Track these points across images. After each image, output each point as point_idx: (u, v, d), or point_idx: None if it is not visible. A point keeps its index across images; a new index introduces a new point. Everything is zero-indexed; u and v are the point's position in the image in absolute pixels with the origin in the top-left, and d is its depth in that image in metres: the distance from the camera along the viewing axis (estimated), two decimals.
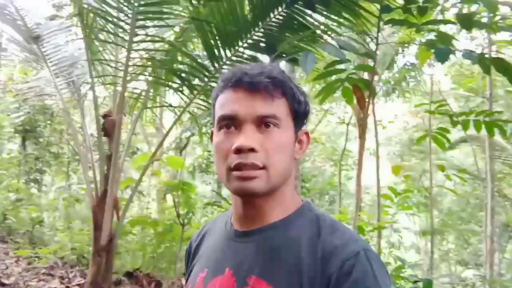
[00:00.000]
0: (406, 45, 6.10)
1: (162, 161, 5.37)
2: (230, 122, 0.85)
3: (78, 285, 3.75)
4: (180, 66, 3.65)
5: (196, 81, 3.61)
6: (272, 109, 0.84)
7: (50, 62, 4.05)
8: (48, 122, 10.07)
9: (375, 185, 5.39)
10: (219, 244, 0.95)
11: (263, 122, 0.84)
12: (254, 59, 3.56)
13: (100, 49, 3.85)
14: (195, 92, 3.58)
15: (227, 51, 3.45)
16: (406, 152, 14.49)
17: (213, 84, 3.57)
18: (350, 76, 2.76)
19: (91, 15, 3.46)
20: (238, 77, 0.86)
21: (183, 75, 3.59)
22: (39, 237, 6.18)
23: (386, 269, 0.82)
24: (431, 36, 2.87)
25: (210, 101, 3.77)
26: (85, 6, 3.44)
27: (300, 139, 0.92)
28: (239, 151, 0.82)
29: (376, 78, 10.95)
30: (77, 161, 9.71)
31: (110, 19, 3.36)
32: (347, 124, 12.23)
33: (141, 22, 3.34)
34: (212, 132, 0.94)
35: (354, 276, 0.76)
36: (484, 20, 2.78)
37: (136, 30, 3.31)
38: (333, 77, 2.76)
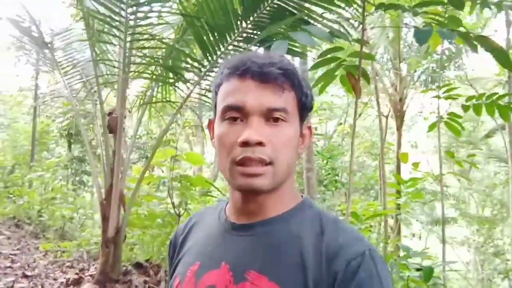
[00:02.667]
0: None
1: (181, 157, 5.48)
2: (236, 113, 0.81)
3: (90, 275, 3.93)
4: (176, 62, 3.73)
5: (191, 76, 3.70)
6: (281, 102, 0.81)
7: (61, 65, 4.26)
8: (91, 125, 10.57)
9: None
10: (213, 237, 0.91)
11: (271, 116, 0.80)
12: (248, 52, 3.59)
13: (105, 49, 4.01)
14: (192, 86, 3.67)
15: (220, 46, 3.52)
16: (454, 143, 14.02)
17: (210, 78, 3.65)
18: (341, 63, 2.75)
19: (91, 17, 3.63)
20: (247, 66, 0.81)
21: (182, 72, 3.69)
22: (70, 233, 6.52)
23: (388, 269, 0.82)
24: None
25: (206, 95, 3.85)
26: (84, 9, 3.62)
27: (303, 132, 0.89)
28: (245, 144, 0.78)
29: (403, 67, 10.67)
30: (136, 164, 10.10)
31: (106, 19, 3.49)
32: (386, 117, 11.98)
33: (134, 22, 3.45)
34: (210, 121, 0.90)
35: (359, 276, 0.75)
36: None
37: (130, 29, 3.43)
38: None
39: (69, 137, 10.51)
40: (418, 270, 3.32)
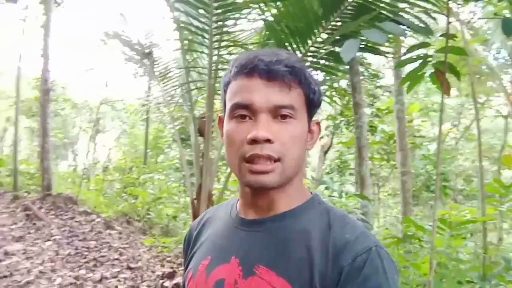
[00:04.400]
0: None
1: None
2: (245, 111, 0.83)
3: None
4: None
5: None
6: (288, 99, 0.82)
7: (160, 74, 4.61)
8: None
9: None
10: (224, 232, 0.93)
11: (279, 113, 0.82)
12: (331, 53, 3.57)
13: (195, 56, 4.26)
14: None
15: (301, 48, 3.53)
16: None
17: None
18: (428, 60, 2.63)
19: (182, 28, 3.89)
20: (254, 64, 0.83)
21: None
22: (174, 230, 6.98)
23: (395, 266, 0.82)
24: None
25: None
26: (177, 21, 3.88)
27: (311, 129, 0.90)
28: (254, 141, 0.80)
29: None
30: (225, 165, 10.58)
31: (193, 29, 3.71)
32: (505, 117, 10.93)
33: (218, 30, 3.62)
34: (219, 118, 0.93)
35: (365, 271, 0.76)
36: None
37: (214, 37, 3.60)
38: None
39: (180, 141, 11.22)
40: None
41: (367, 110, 9.07)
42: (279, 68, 0.81)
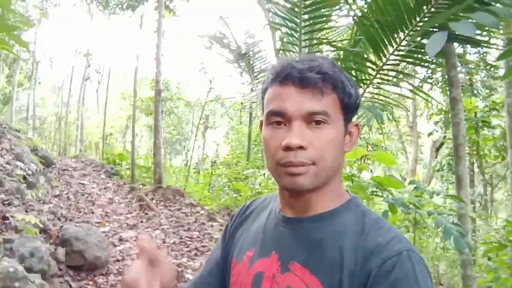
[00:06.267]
0: None
1: (372, 156, 5.44)
2: (279, 118, 0.85)
3: None
4: (349, 64, 3.77)
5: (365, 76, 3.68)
6: (321, 105, 0.84)
7: (255, 72, 4.77)
8: None
9: None
10: (267, 227, 0.97)
11: (312, 119, 0.84)
12: (422, 46, 3.40)
13: (288, 55, 4.33)
14: (364, 86, 3.65)
15: (393, 42, 3.41)
16: None
17: (381, 77, 3.59)
18: None
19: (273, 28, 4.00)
20: (288, 72, 0.85)
21: (352, 72, 3.71)
22: None
23: (428, 272, 0.80)
24: None
25: (379, 94, 3.81)
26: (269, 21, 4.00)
27: (350, 131, 0.91)
28: (288, 148, 0.82)
29: None
30: None
31: (284, 29, 3.79)
32: None
33: (308, 28, 3.64)
34: (260, 122, 0.96)
35: (394, 275, 0.75)
36: None
37: (304, 36, 3.63)
38: None
39: None
40: None
41: (481, 104, 8.38)
42: (312, 76, 0.83)
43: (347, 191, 0.96)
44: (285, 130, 0.84)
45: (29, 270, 3.18)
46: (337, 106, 0.86)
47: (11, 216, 3.74)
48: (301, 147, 0.82)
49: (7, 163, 5.35)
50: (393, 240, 0.80)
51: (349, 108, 0.89)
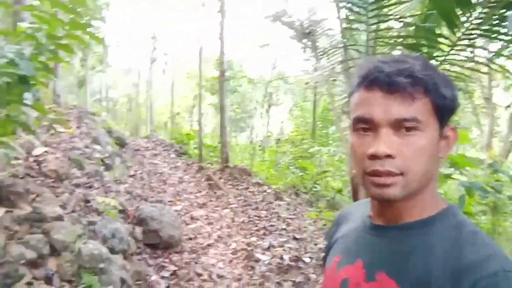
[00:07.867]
0: None
1: None
2: (366, 125, 0.81)
3: None
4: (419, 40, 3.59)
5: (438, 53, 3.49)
6: (412, 111, 0.78)
7: (319, 52, 4.69)
8: None
9: None
10: (355, 233, 0.96)
11: (402, 126, 0.79)
12: (502, 19, 3.16)
13: (354, 33, 4.21)
14: (438, 63, 3.47)
15: (467, 15, 3.20)
16: None
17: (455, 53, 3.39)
18: None
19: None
20: (374, 76, 0.80)
21: (423, 49, 3.54)
22: (341, 204, 7.10)
23: None
24: None
25: (453, 70, 3.63)
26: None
27: (446, 135, 0.85)
28: (374, 157, 0.79)
29: None
30: None
31: (349, 6, 3.67)
32: None
33: (375, 3, 3.50)
34: (350, 125, 0.92)
35: None
36: None
37: (371, 12, 3.50)
38: None
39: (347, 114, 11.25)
40: None
41: None
42: (400, 80, 0.78)
43: (445, 199, 0.91)
44: (372, 138, 0.80)
45: (111, 250, 3.40)
46: (429, 110, 0.80)
47: (93, 199, 4.00)
48: (388, 156, 0.78)
49: (86, 146, 5.69)
50: (489, 258, 0.74)
51: (443, 111, 0.82)
